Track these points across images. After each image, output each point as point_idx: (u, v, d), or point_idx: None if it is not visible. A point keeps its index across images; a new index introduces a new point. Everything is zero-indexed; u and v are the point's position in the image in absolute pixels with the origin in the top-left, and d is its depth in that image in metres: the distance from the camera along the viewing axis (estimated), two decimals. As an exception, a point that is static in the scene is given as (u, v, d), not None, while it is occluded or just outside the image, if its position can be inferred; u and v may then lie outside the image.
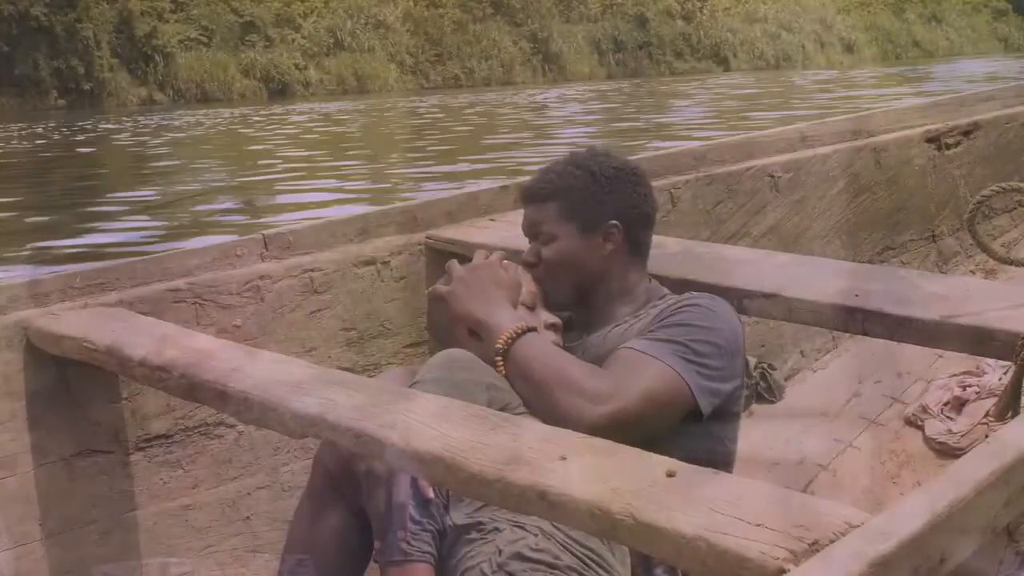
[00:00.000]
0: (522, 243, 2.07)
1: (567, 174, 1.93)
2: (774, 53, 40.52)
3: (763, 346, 2.77)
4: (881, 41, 46.61)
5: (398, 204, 2.42)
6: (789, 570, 0.94)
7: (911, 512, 0.97)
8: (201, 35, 28.60)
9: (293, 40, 30.27)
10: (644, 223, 1.95)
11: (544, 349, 1.72)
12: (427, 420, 1.31)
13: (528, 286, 1.87)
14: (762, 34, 40.76)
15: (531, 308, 1.85)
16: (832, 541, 0.98)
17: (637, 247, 1.94)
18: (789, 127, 3.14)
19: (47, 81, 25.02)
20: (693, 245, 2.19)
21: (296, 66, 29.85)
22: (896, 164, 3.08)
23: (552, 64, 35.46)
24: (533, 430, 1.28)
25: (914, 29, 48.63)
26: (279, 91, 28.84)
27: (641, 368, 1.68)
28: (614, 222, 1.90)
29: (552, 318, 1.84)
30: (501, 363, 1.71)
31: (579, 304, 1.93)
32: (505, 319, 1.75)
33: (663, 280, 1.97)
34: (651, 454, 1.19)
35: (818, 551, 0.96)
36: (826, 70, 36.19)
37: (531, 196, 1.95)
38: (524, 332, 1.72)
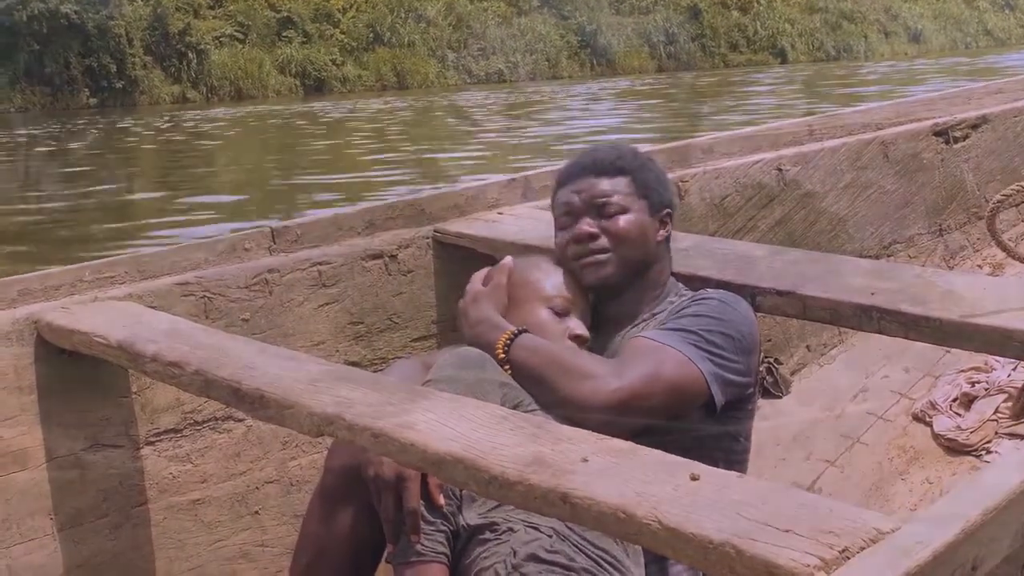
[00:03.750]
0: (529, 237, 2.05)
1: (634, 154, 1.92)
2: (834, 44, 39.67)
3: (769, 340, 2.75)
4: (950, 30, 45.46)
5: (406, 197, 2.42)
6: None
7: (944, 519, 0.96)
8: (236, 31, 28.61)
9: (331, 36, 30.21)
10: (673, 220, 1.96)
11: (538, 345, 1.71)
12: (446, 420, 1.30)
13: (562, 291, 1.82)
14: (822, 24, 39.85)
15: (561, 314, 1.81)
16: (863, 548, 0.97)
17: (669, 241, 1.91)
18: (797, 120, 3.11)
19: (79, 80, 25.15)
20: (705, 240, 2.17)
21: (333, 62, 29.79)
22: (904, 158, 3.04)
23: (600, 58, 35.05)
24: (553, 431, 1.26)
25: (985, 17, 47.34)
26: (315, 88, 28.80)
27: (651, 353, 1.68)
28: (669, 210, 1.88)
29: (580, 329, 1.80)
30: (510, 371, 1.68)
31: (623, 288, 1.88)
32: (493, 333, 1.73)
33: (675, 276, 1.95)
34: (674, 456, 1.17)
35: (848, 558, 0.96)
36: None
37: (602, 168, 1.89)
38: (514, 336, 1.70)
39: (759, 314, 1.85)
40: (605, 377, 1.60)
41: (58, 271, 1.97)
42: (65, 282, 1.95)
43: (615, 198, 1.85)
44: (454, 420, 1.29)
